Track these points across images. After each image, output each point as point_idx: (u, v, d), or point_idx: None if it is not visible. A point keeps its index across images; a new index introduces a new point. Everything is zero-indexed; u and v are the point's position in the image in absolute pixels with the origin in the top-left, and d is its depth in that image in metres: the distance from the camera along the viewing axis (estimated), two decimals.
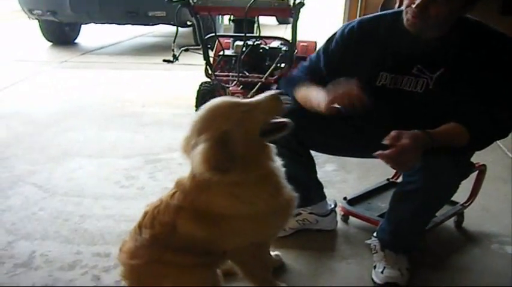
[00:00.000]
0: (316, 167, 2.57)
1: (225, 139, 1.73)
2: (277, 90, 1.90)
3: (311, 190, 2.57)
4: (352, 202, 2.77)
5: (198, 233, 1.89)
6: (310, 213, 2.60)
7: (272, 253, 2.35)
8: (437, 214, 2.45)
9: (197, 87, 4.32)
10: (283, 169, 1.95)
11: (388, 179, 2.99)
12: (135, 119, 4.59)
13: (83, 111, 4.84)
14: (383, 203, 2.73)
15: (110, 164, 3.58)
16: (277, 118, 1.89)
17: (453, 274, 2.35)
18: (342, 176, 3.28)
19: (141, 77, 6.34)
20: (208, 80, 4.40)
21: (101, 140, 4.07)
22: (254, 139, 1.85)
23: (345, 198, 2.77)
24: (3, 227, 2.72)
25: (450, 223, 2.71)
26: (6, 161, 3.61)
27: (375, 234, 2.40)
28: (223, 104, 1.84)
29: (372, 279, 2.26)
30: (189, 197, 1.88)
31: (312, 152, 2.50)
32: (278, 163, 1.95)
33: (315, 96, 2.09)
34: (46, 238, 2.62)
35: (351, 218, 2.76)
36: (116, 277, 2.22)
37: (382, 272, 2.22)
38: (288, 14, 4.25)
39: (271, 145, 1.93)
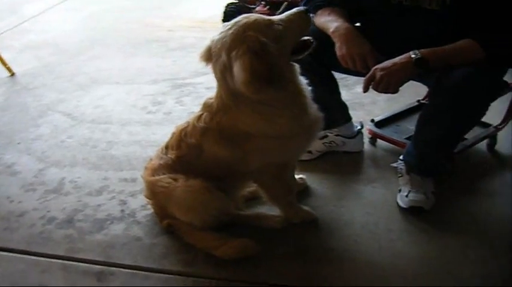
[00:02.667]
0: (346, 88, 2.49)
1: (264, 50, 1.69)
2: (304, 7, 1.86)
3: (335, 112, 2.50)
4: (380, 124, 2.68)
5: (223, 154, 1.91)
6: (337, 135, 2.55)
7: (296, 177, 2.33)
8: (468, 137, 2.37)
9: (223, 9, 4.19)
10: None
11: (418, 101, 2.87)
12: (162, 44, 4.52)
13: (110, 38, 4.78)
14: (412, 125, 2.55)
15: (137, 90, 3.58)
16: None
17: (482, 198, 2.29)
18: (371, 98, 3.15)
19: (166, 1, 6.17)
20: (234, 1, 4.26)
21: (128, 67, 4.04)
22: (287, 57, 1.82)
23: (372, 120, 2.69)
24: (34, 155, 2.79)
25: (482, 145, 2.60)
26: (36, 90, 3.65)
27: (401, 157, 2.33)
28: (256, 20, 1.76)
29: (397, 203, 2.23)
30: (215, 118, 1.88)
31: (340, 75, 2.43)
32: (304, 82, 1.93)
33: (330, 28, 2.09)
34: (75, 164, 2.68)
35: (379, 141, 2.69)
36: (142, 201, 2.28)
37: (406, 195, 2.19)
38: None
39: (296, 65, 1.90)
